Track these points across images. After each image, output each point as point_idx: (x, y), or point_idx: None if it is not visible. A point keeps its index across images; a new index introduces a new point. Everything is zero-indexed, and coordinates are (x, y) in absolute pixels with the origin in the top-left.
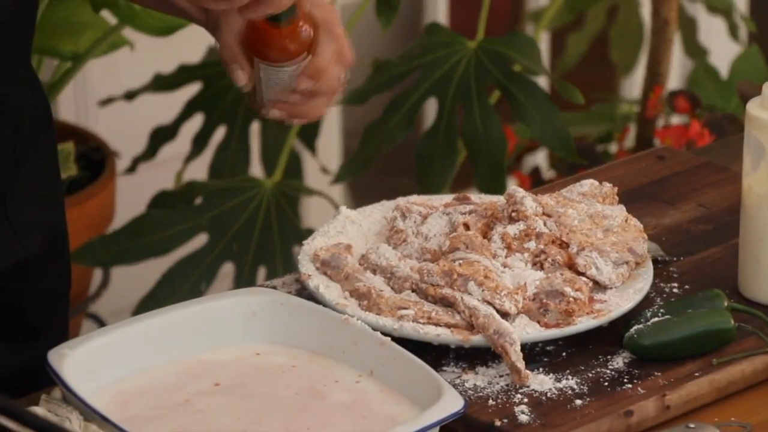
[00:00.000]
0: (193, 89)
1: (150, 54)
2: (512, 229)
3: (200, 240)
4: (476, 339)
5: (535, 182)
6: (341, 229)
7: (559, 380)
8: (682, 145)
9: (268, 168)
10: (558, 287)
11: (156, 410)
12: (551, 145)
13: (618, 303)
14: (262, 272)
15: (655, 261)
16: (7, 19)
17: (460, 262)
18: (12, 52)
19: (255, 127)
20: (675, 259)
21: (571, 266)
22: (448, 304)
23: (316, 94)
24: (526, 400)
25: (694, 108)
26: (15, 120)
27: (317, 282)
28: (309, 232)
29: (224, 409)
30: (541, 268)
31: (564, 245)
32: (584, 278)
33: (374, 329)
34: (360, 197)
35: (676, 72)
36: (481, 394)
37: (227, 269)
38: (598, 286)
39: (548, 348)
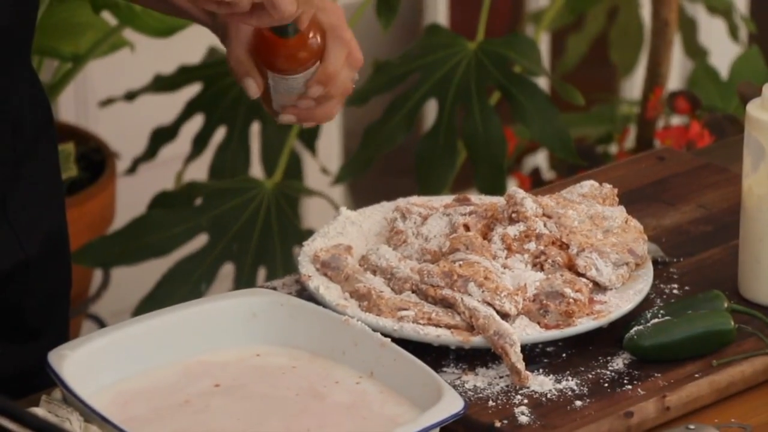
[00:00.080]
0: (193, 90)
1: (150, 55)
2: (512, 230)
3: (200, 240)
4: (476, 340)
5: (535, 183)
6: (341, 230)
7: (559, 381)
8: (682, 146)
9: (269, 168)
10: (558, 288)
11: (156, 411)
12: (551, 146)
13: (618, 304)
14: (262, 273)
15: (655, 262)
16: (8, 20)
17: (460, 263)
18: (12, 53)
19: (255, 128)
20: (675, 260)
21: (571, 267)
22: (448, 305)
23: (328, 98)
24: (526, 401)
25: (694, 109)
26: (15, 121)
27: (317, 283)
28: (309, 233)
29: (224, 410)
30: (541, 269)
31: (564, 246)
32: (584, 279)
33: (374, 330)
34: (360, 198)
35: (676, 73)
36: (481, 395)
37: (227, 270)
38: (598, 287)
39: (548, 349)
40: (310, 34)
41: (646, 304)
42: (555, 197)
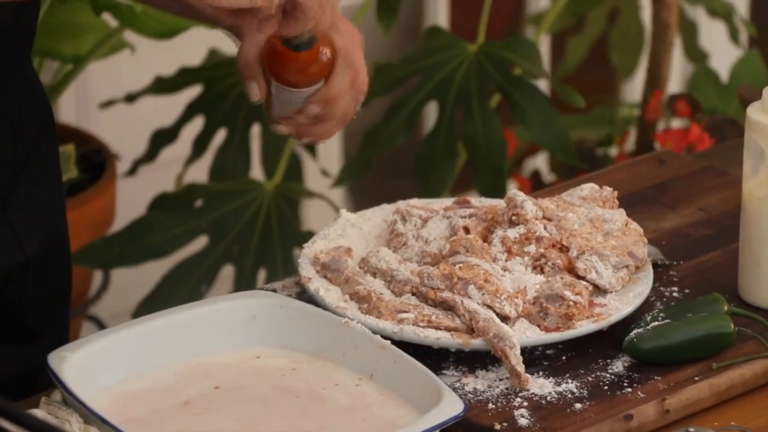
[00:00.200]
0: (193, 92)
1: (151, 56)
2: (512, 233)
3: (200, 242)
4: (476, 342)
5: (536, 186)
6: (341, 232)
7: (558, 384)
8: (682, 148)
9: (269, 170)
10: (558, 291)
11: (155, 413)
12: (551, 149)
13: (618, 307)
14: (262, 275)
15: (655, 265)
16: (9, 21)
17: (461, 265)
18: (13, 54)
19: (256, 130)
20: (675, 263)
21: (571, 270)
22: (448, 307)
23: (325, 119)
24: (525, 403)
25: (694, 112)
26: (16, 122)
27: (317, 285)
28: (309, 235)
29: (224, 412)
30: (541, 271)
31: (564, 249)
32: (584, 282)
33: (374, 332)
34: (360, 200)
35: (677, 76)
36: (480, 397)
37: (227, 272)
38: (598, 290)
39: (548, 352)
40: (321, 53)
41: (645, 307)
42: (555, 200)
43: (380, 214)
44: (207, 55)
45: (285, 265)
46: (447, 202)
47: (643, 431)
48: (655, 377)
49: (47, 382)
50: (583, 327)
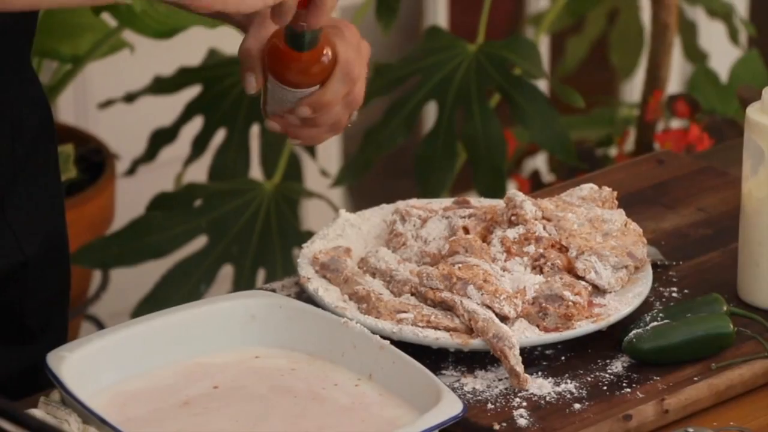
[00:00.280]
0: (193, 92)
1: (150, 56)
2: (512, 233)
3: (199, 242)
4: (475, 343)
5: (535, 186)
6: (341, 232)
7: (558, 384)
8: (682, 149)
9: (268, 170)
10: (557, 291)
11: (154, 413)
12: (551, 149)
13: (617, 307)
14: (261, 275)
15: (654, 265)
16: (8, 21)
17: (460, 265)
18: (12, 54)
19: (255, 130)
20: (674, 263)
21: (571, 270)
22: (447, 307)
23: (315, 123)
24: (525, 404)
25: (693, 112)
26: (15, 122)
27: (316, 285)
28: (308, 235)
29: (223, 411)
30: (541, 272)
31: (563, 249)
32: (583, 282)
33: (373, 332)
34: (360, 200)
35: (676, 76)
36: (479, 397)
37: (226, 271)
38: (598, 290)
39: (547, 352)
40: (322, 56)
41: (645, 307)
42: (554, 200)
43: (379, 214)
44: (206, 55)
45: (284, 265)
46: (446, 202)
47: (642, 431)
48: (655, 377)
49: (46, 382)
50: (583, 327)
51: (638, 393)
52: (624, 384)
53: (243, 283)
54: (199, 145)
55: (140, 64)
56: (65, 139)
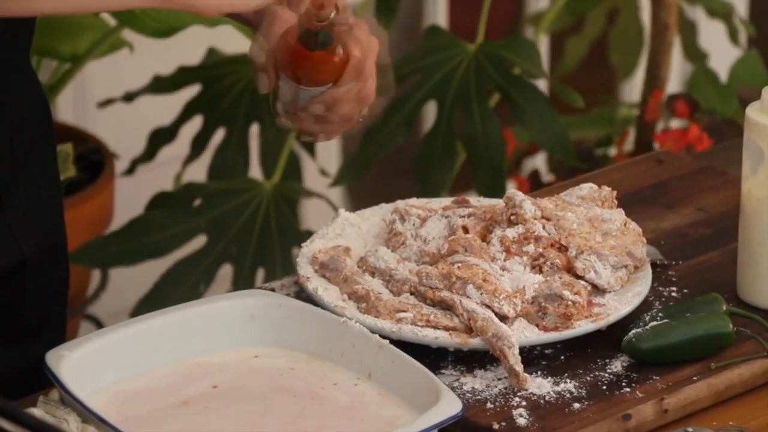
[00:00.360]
0: (192, 91)
1: (149, 55)
2: (511, 233)
3: (199, 241)
4: (474, 342)
5: (534, 185)
6: (340, 231)
7: (557, 384)
8: (681, 149)
9: (268, 170)
10: (557, 291)
11: (154, 412)
12: (551, 149)
13: (616, 307)
14: (260, 274)
15: (653, 265)
16: (7, 20)
17: (459, 265)
18: (11, 54)
19: (254, 129)
20: (674, 263)
21: (570, 270)
22: (446, 307)
23: (326, 120)
24: (524, 403)
25: (693, 112)
26: (14, 121)
27: (316, 284)
28: (308, 235)
29: (222, 411)
30: (540, 271)
31: (563, 249)
32: (583, 282)
33: (373, 332)
34: (359, 200)
35: (676, 76)
36: (479, 397)
37: (226, 271)
38: (597, 289)
39: (547, 351)
40: (335, 55)
41: (644, 306)
42: (554, 200)
43: (379, 214)
44: (206, 54)
45: (283, 265)
46: (446, 201)
47: (641, 431)
48: (654, 377)
49: (45, 381)
50: (582, 327)
51: (637, 392)
52: (623, 383)
53: (242, 282)
54: (198, 145)
55: (139, 64)
56: (64, 138)
